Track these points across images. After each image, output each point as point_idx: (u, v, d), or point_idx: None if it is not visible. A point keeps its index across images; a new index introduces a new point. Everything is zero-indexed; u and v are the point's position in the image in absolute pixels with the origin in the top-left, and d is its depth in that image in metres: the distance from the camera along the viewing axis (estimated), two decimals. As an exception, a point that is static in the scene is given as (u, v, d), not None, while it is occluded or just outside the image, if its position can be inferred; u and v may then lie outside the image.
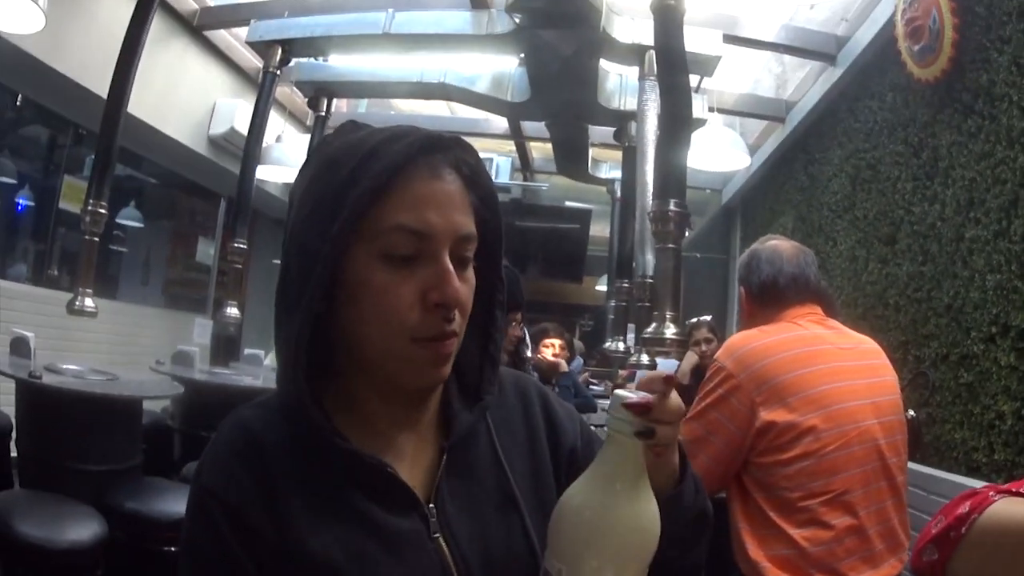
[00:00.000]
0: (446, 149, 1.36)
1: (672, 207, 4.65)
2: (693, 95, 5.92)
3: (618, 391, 1.19)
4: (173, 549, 4.47)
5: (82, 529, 4.21)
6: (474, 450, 1.47)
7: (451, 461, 1.41)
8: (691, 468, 1.50)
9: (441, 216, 1.31)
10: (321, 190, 1.33)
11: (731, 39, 7.08)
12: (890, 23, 5.81)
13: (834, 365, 3.12)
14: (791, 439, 2.96)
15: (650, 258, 5.83)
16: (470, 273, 1.39)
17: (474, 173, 1.40)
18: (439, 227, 1.30)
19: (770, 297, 3.41)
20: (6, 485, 5.38)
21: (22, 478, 5.43)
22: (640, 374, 9.66)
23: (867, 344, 3.36)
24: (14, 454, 5.55)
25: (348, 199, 1.27)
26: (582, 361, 13.87)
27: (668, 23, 4.79)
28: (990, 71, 4.69)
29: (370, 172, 1.28)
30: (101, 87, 5.78)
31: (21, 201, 9.66)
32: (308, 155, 1.49)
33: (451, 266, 1.31)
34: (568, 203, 13.75)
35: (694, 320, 7.70)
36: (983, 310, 4.53)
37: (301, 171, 1.45)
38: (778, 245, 3.52)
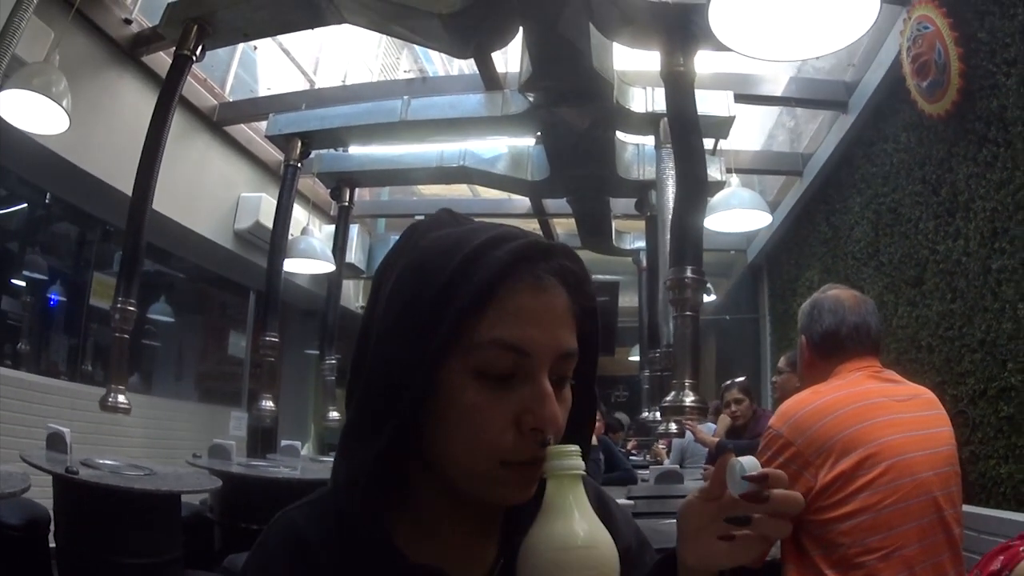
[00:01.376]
0: (551, 257, 1.25)
1: (688, 274, 4.66)
2: (710, 158, 5.97)
3: (735, 460, 1.15)
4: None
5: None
6: None
7: (509, 564, 1.26)
8: None
9: (543, 332, 1.20)
10: (413, 294, 1.21)
11: (742, 98, 7.11)
12: (896, 63, 5.83)
13: (888, 418, 3.08)
14: (849, 494, 2.94)
15: (669, 327, 5.83)
16: (567, 392, 1.28)
17: (579, 283, 1.28)
18: (540, 344, 1.19)
19: (831, 347, 3.40)
20: (46, 577, 5.36)
21: (61, 572, 5.42)
22: (677, 443, 9.66)
23: (923, 395, 3.31)
24: (52, 546, 5.53)
25: (447, 311, 1.16)
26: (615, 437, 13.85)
27: (679, 89, 4.84)
28: (1000, 96, 4.69)
29: (471, 281, 1.17)
30: (126, 185, 5.82)
31: (53, 296, 9.74)
32: (398, 243, 1.36)
33: (550, 387, 1.20)
34: (596, 276, 13.72)
35: (727, 382, 7.70)
36: (1018, 340, 4.49)
37: (388, 259, 1.33)
38: (839, 294, 3.51)
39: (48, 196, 8.84)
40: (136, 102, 7.25)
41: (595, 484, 1.56)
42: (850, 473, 2.94)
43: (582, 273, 1.29)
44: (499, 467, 1.19)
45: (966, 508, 3.87)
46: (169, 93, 5.72)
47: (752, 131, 9.77)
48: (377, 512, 1.26)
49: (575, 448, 1.14)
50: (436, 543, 1.30)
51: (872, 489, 2.91)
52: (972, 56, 4.91)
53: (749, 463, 1.15)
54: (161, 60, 7.22)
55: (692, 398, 4.65)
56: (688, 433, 8.07)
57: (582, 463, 1.15)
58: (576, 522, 1.11)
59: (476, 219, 1.36)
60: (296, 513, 1.34)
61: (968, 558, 3.50)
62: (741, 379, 7.84)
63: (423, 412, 1.21)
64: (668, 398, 4.77)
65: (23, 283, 9.35)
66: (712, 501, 1.20)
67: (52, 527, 5.48)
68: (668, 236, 5.87)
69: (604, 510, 1.46)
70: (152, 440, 9.27)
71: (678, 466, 9.21)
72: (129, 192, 5.66)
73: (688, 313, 4.73)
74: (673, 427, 5.57)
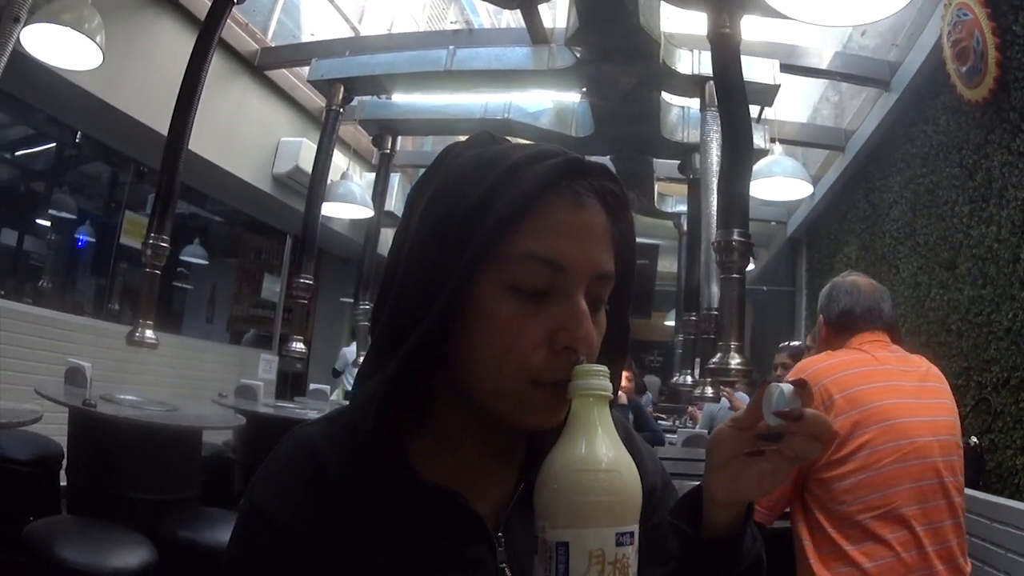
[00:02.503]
0: (593, 175, 1.22)
1: (736, 236, 4.62)
2: (755, 126, 5.92)
3: (774, 384, 1.13)
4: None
5: (128, 556, 4.12)
6: None
7: (528, 493, 1.22)
8: (752, 516, 1.35)
9: (581, 249, 1.18)
10: (448, 208, 1.20)
11: (788, 68, 7.05)
12: (938, 46, 5.78)
13: (893, 384, 3.20)
14: (848, 453, 3.03)
15: (716, 290, 5.79)
16: (602, 317, 1.25)
17: (618, 205, 1.26)
18: (577, 261, 1.17)
19: (845, 325, 3.54)
20: (53, 513, 5.35)
21: (71, 507, 5.45)
22: (708, 408, 9.62)
23: (928, 369, 3.40)
24: (64, 483, 5.56)
25: (482, 224, 1.15)
26: (651, 397, 13.82)
27: (725, 51, 4.80)
28: None
29: (507, 195, 1.15)
30: (161, 124, 5.83)
31: (80, 236, 9.77)
32: (433, 162, 1.33)
33: (585, 306, 1.18)
34: (636, 239, 13.61)
35: (783, 343, 7.67)
36: (1043, 332, 4.42)
37: (423, 178, 1.32)
38: (857, 280, 3.66)
39: (79, 135, 8.88)
40: (173, 43, 7.29)
41: (623, 420, 1.53)
42: (849, 432, 3.05)
43: (622, 195, 1.27)
44: (528, 386, 1.17)
45: (982, 496, 3.88)
46: (208, 34, 5.69)
47: (798, 103, 9.71)
48: (392, 428, 1.22)
49: (603, 368, 1.12)
50: (454, 465, 1.28)
51: (871, 448, 3.01)
52: (1008, 47, 4.87)
53: (788, 391, 1.13)
54: (200, 3, 7.24)
55: (738, 360, 4.63)
56: (723, 399, 8.05)
57: (610, 384, 1.13)
58: (600, 445, 1.10)
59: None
60: (312, 427, 1.31)
61: (978, 544, 3.52)
62: (796, 344, 7.77)
63: (452, 327, 1.19)
64: (714, 360, 4.73)
65: (48, 223, 9.39)
66: (745, 431, 1.18)
67: (65, 463, 5.51)
68: (712, 199, 5.86)
69: (631, 447, 1.37)
70: (180, 380, 9.37)
71: (706, 431, 9.21)
72: (164, 132, 5.66)
73: (735, 275, 4.70)
74: (709, 391, 5.58)
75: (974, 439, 4.82)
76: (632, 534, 1.09)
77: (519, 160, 1.19)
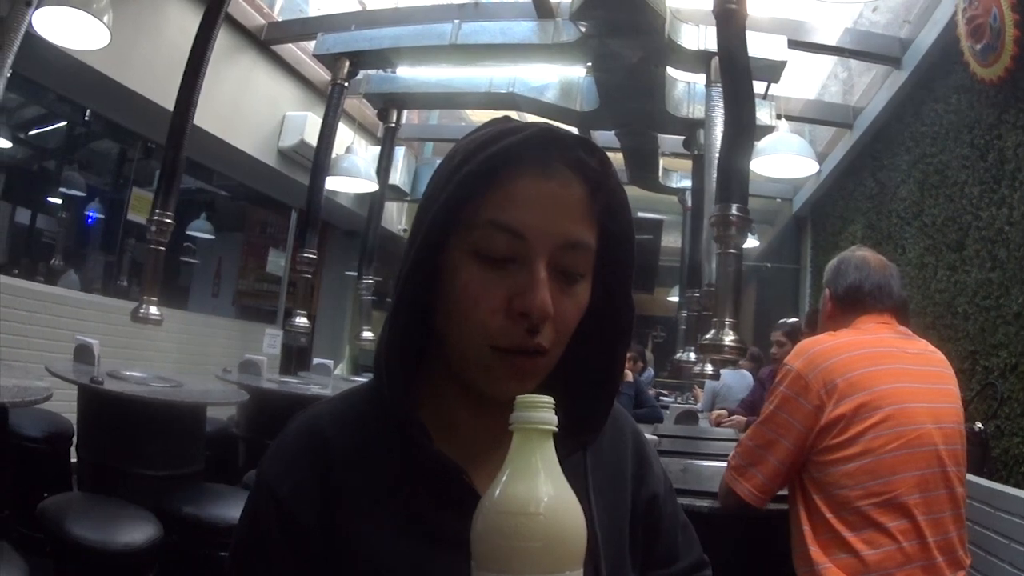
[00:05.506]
0: (566, 147, 1.23)
1: (733, 211, 4.59)
2: (760, 102, 5.89)
3: None
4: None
5: (136, 532, 4.21)
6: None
7: None
8: None
9: (543, 218, 1.20)
10: (435, 178, 1.29)
11: (796, 44, 7.01)
12: (952, 23, 5.72)
13: (897, 367, 3.17)
14: (851, 437, 3.01)
15: (712, 265, 5.80)
16: (579, 290, 1.26)
17: (599, 178, 1.26)
18: (537, 229, 1.20)
19: (852, 301, 3.50)
20: (64, 489, 5.43)
21: (81, 483, 5.53)
22: (709, 386, 9.62)
23: (934, 354, 3.38)
24: (75, 460, 5.62)
25: (449, 190, 1.20)
26: (652, 373, 13.83)
27: (730, 27, 4.76)
28: None
29: (474, 162, 1.20)
30: (168, 101, 5.78)
31: (90, 213, 9.80)
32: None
33: (544, 274, 1.19)
34: (640, 213, 13.66)
35: (780, 321, 7.66)
36: (1054, 318, 4.38)
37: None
38: (867, 255, 3.61)
39: (87, 113, 8.95)
40: (180, 19, 7.28)
41: (634, 425, 1.59)
42: (851, 416, 3.03)
43: (604, 169, 1.27)
44: (489, 353, 1.21)
45: (986, 483, 3.86)
46: (215, 9, 5.67)
47: (805, 80, 9.67)
48: (410, 395, 1.28)
49: (547, 400, 1.05)
50: (459, 438, 1.31)
51: (874, 433, 2.99)
52: None
53: None
54: None
55: (731, 337, 4.59)
56: (730, 376, 8.06)
57: (554, 418, 1.06)
58: (537, 485, 1.02)
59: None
60: (323, 406, 1.36)
61: (981, 533, 3.51)
62: (791, 320, 7.76)
63: (436, 296, 1.26)
64: (707, 336, 4.70)
65: (59, 200, 9.43)
66: None
67: (75, 440, 5.55)
68: (716, 175, 5.85)
69: (640, 454, 1.53)
70: (185, 355, 9.42)
71: (704, 409, 9.23)
72: (171, 107, 5.65)
73: (731, 251, 4.66)
74: (709, 368, 5.57)
75: (979, 425, 4.77)
76: None
77: (500, 133, 1.23)
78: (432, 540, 1.22)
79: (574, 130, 1.30)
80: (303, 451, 1.27)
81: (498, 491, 1.03)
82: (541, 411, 1.05)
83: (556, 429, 1.05)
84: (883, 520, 2.89)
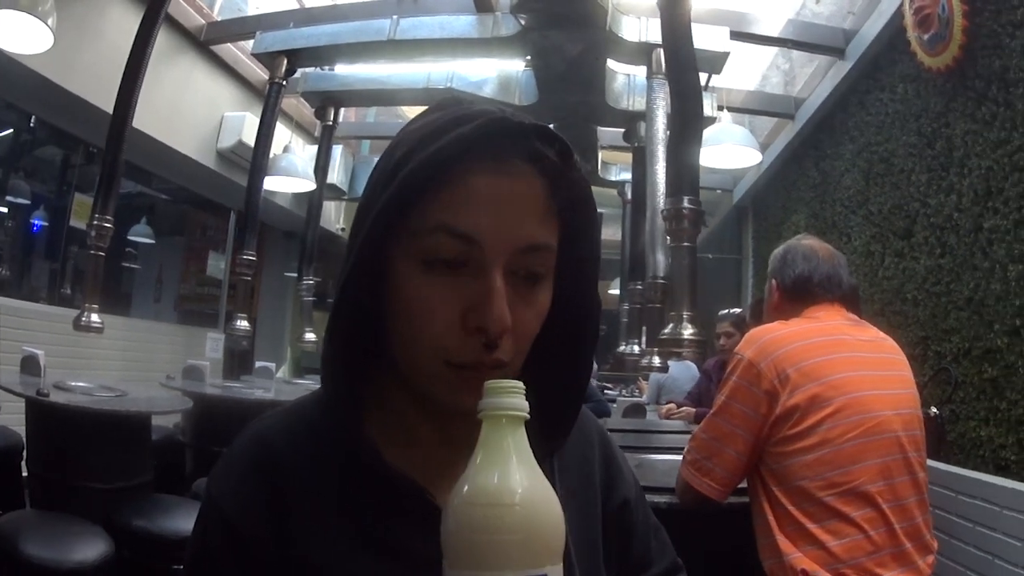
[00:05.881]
0: (523, 137, 1.10)
1: (686, 204, 4.57)
2: (702, 93, 5.88)
3: None
4: (181, 567, 4.39)
5: (88, 549, 4.14)
6: None
7: None
8: None
9: (500, 221, 1.08)
10: (376, 174, 1.16)
11: (738, 35, 7.04)
12: (898, 14, 5.76)
13: (852, 355, 3.14)
14: (807, 428, 2.97)
15: (661, 258, 5.77)
16: (540, 295, 1.15)
17: (561, 171, 1.14)
18: (491, 234, 1.07)
19: (801, 292, 3.45)
20: (17, 505, 5.36)
21: (32, 498, 5.43)
22: (654, 378, 9.60)
23: (885, 340, 3.36)
24: (25, 473, 5.52)
25: (392, 190, 1.07)
26: (596, 366, 13.84)
27: (675, 19, 4.74)
28: (1003, 57, 4.62)
29: (419, 158, 1.06)
30: (110, 104, 5.75)
31: (36, 221, 9.70)
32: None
33: (501, 284, 1.07)
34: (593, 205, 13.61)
35: (722, 312, 7.63)
36: (1006, 302, 4.44)
37: None
38: (814, 244, 3.56)
39: (33, 120, 8.78)
40: (123, 20, 7.11)
41: (600, 426, 1.50)
42: (805, 406, 2.98)
43: (566, 160, 1.14)
44: (444, 367, 1.10)
45: (945, 468, 3.88)
46: (154, 10, 5.61)
47: (746, 71, 9.70)
48: (352, 406, 1.16)
49: (517, 385, 0.96)
50: (416, 458, 1.22)
51: (831, 423, 2.95)
52: (977, 14, 4.84)
53: None
54: None
55: (691, 331, 4.59)
56: (675, 367, 8.05)
57: (525, 404, 0.97)
58: (510, 475, 0.94)
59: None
60: (270, 420, 1.26)
61: (944, 518, 3.51)
62: (736, 311, 7.73)
63: (380, 300, 1.15)
64: (666, 331, 4.69)
65: (5, 209, 9.31)
66: None
67: (25, 453, 5.47)
68: (658, 167, 5.84)
69: (609, 458, 1.45)
70: (130, 362, 9.30)
71: (650, 401, 9.23)
72: (110, 111, 5.54)
73: (685, 244, 4.67)
74: (657, 361, 5.54)
75: (934, 409, 4.81)
76: None
77: (448, 122, 1.10)
78: (390, 557, 1.15)
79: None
80: (251, 467, 1.18)
81: (469, 483, 0.95)
82: (512, 396, 0.97)
83: (528, 416, 0.97)
84: (847, 510, 2.86)
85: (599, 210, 1.20)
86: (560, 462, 1.32)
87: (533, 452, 1.00)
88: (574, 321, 1.23)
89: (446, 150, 1.05)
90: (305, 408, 1.27)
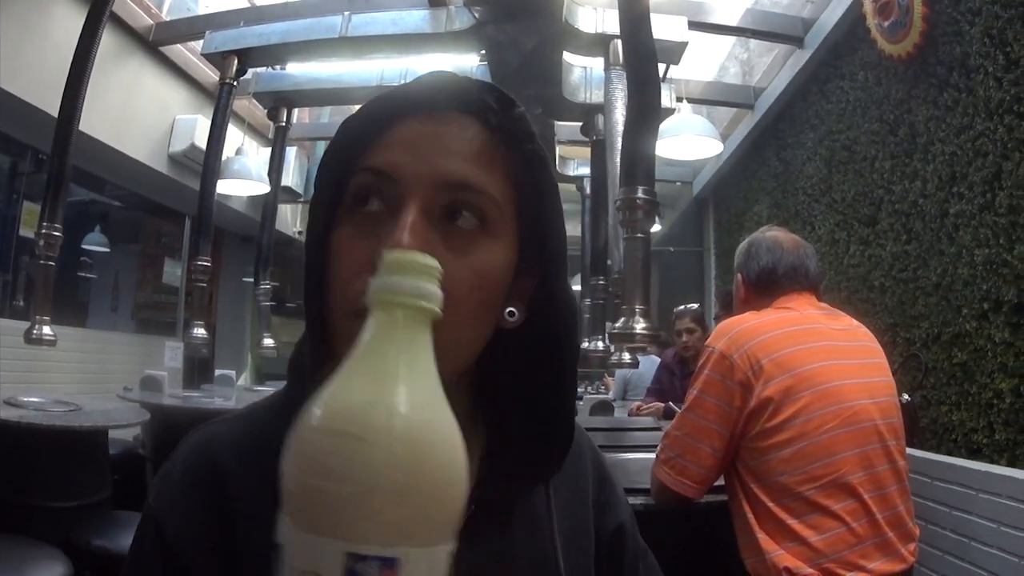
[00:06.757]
0: (462, 90, 1.05)
1: (640, 194, 4.48)
2: (660, 83, 5.82)
3: None
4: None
5: (45, 572, 3.97)
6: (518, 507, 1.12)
7: (485, 491, 1.02)
8: None
9: (418, 157, 1.00)
10: (328, 148, 1.07)
11: (696, 25, 6.96)
12: (857, 2, 5.80)
13: (826, 344, 3.11)
14: (782, 421, 2.93)
15: (618, 250, 5.73)
16: (478, 246, 1.01)
17: (507, 123, 1.05)
18: (408, 167, 0.99)
19: (767, 285, 3.43)
20: (-23, 525, 5.20)
21: (-9, 518, 5.27)
22: (620, 374, 9.54)
23: (859, 329, 3.34)
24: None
25: (338, 151, 1.04)
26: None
27: (633, 8, 4.67)
28: (963, 43, 4.65)
29: (365, 116, 1.04)
30: (56, 108, 5.56)
31: (-15, 233, 9.60)
32: None
33: (413, 215, 0.96)
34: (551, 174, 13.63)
35: (680, 308, 7.56)
36: (973, 286, 4.47)
37: None
38: (778, 236, 3.56)
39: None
40: (68, 21, 6.96)
41: (591, 442, 1.36)
42: (780, 399, 2.95)
43: (514, 115, 1.06)
44: (352, 319, 0.92)
45: (919, 454, 3.92)
46: (98, 9, 5.48)
47: (703, 62, 9.68)
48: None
49: (427, 262, 0.75)
50: None
51: (807, 415, 2.92)
52: (936, 1, 4.90)
53: None
54: None
55: (643, 324, 4.47)
56: (641, 362, 8.01)
57: (435, 291, 0.74)
58: (395, 392, 0.66)
59: None
60: (218, 427, 1.15)
61: (920, 504, 3.48)
62: (694, 306, 7.68)
63: None
64: (617, 324, 4.59)
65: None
66: None
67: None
68: (617, 159, 5.77)
69: (602, 477, 1.33)
70: (87, 375, 9.13)
71: (616, 398, 9.19)
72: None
73: (639, 235, 4.54)
74: (627, 356, 5.48)
75: (906, 396, 4.80)
76: (395, 563, 0.63)
77: (393, 88, 1.06)
78: None
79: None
80: (193, 479, 1.07)
81: (327, 398, 0.68)
82: (413, 277, 0.73)
83: (439, 311, 0.74)
84: (828, 503, 2.83)
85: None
86: (554, 479, 1.18)
87: (525, 479, 0.99)
88: (547, 327, 1.11)
89: (380, 103, 1.04)
90: (256, 414, 1.16)
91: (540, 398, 1.11)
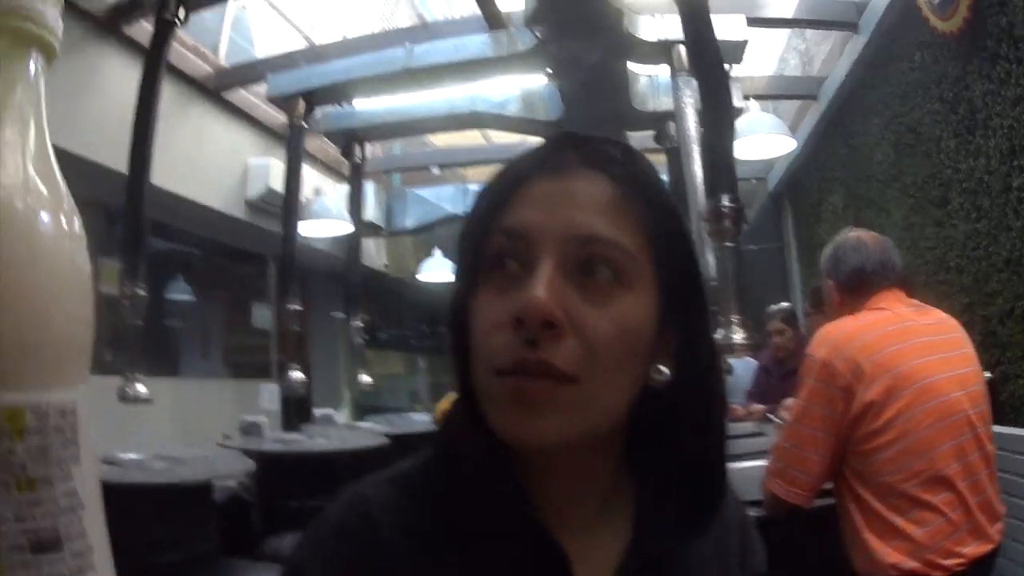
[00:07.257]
0: (584, 144, 1.08)
1: (725, 203, 4.49)
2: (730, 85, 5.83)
3: None
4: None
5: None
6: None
7: (639, 554, 1.08)
8: None
9: (549, 214, 1.02)
10: (466, 217, 1.11)
11: (753, 21, 6.97)
12: (906, -20, 5.70)
13: (920, 341, 3.18)
14: (885, 423, 3.01)
15: (711, 259, 5.70)
16: (616, 299, 1.01)
17: (634, 176, 1.07)
18: (538, 224, 1.01)
19: (858, 284, 3.50)
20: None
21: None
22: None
23: (947, 320, 3.41)
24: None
25: (477, 216, 1.07)
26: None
27: (693, 10, 4.70)
28: (1008, 13, 4.60)
29: (493, 185, 1.09)
30: (121, 163, 5.68)
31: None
32: None
33: (547, 271, 0.98)
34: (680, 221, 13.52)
35: (770, 308, 7.50)
36: (1041, 259, 4.41)
37: None
38: (860, 235, 3.64)
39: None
40: (123, 77, 7.01)
41: (738, 498, 1.31)
42: (882, 400, 3.02)
43: (639, 167, 1.09)
44: (493, 379, 0.99)
45: (999, 429, 3.87)
46: (155, 61, 5.56)
47: (762, 56, 9.63)
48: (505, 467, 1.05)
49: None
50: (551, 515, 1.06)
51: (908, 414, 2.99)
52: None
53: None
54: (145, 31, 6.85)
55: (741, 335, 4.50)
56: (735, 365, 7.98)
57: (52, 14, 0.62)
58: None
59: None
60: (369, 488, 1.13)
61: (1004, 479, 3.49)
62: (785, 305, 7.60)
63: None
64: (716, 336, 4.59)
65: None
66: None
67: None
68: (695, 167, 5.76)
69: (745, 530, 1.29)
70: (183, 424, 9.16)
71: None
72: (125, 170, 5.52)
73: (728, 244, 4.60)
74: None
75: (987, 373, 4.76)
76: None
77: (523, 151, 1.10)
78: None
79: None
80: (344, 536, 1.06)
81: None
82: None
83: (56, 44, 0.66)
84: (928, 497, 2.92)
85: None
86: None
87: (680, 534, 1.02)
88: (698, 386, 1.11)
89: (511, 168, 1.09)
90: (406, 476, 1.15)
91: (691, 455, 1.11)
